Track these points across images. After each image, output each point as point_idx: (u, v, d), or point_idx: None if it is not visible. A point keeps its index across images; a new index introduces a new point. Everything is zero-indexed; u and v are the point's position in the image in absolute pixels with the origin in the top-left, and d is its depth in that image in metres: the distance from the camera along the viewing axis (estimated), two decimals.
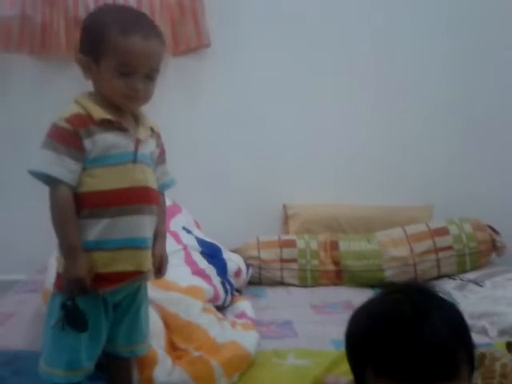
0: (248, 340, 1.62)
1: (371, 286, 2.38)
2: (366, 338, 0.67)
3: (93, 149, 1.06)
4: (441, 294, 0.73)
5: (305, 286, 2.43)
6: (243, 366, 1.52)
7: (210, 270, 1.86)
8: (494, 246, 2.44)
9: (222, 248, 2.11)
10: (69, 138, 1.05)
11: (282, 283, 2.43)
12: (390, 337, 0.64)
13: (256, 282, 2.39)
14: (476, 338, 1.85)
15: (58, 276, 1.12)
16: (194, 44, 2.57)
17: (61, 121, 1.07)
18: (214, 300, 1.76)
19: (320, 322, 1.99)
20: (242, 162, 2.70)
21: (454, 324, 0.67)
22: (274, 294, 2.30)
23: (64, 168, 1.04)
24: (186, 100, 2.63)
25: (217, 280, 1.85)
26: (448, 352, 0.63)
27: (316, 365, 1.56)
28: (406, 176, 2.76)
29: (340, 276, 2.47)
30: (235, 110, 2.66)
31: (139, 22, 1.06)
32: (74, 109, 1.10)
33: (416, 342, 0.62)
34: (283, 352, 1.67)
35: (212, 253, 2.00)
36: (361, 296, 2.25)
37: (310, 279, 2.45)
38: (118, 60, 1.03)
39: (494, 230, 2.48)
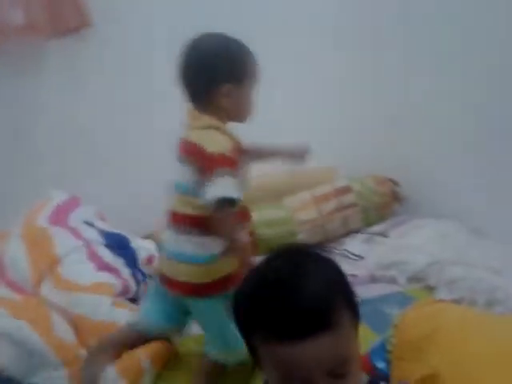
0: None
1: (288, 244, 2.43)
2: (247, 304, 0.69)
3: None
4: (319, 252, 0.76)
5: None
6: (168, 355, 1.51)
7: (117, 263, 1.79)
8: (396, 198, 2.56)
9: (130, 237, 2.02)
10: (235, 165, 1.34)
11: None
12: (265, 298, 0.66)
13: None
14: (387, 287, 2.00)
15: (215, 282, 1.37)
16: (74, 24, 2.40)
17: (227, 152, 1.32)
18: (124, 293, 1.70)
19: None
20: (140, 143, 2.59)
21: (331, 277, 0.70)
22: None
23: (239, 191, 1.33)
24: (68, 83, 2.45)
25: (126, 272, 1.78)
26: (324, 305, 0.65)
27: None
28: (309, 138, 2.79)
29: (256, 246, 2.48)
30: (122, 90, 2.53)
31: None
32: (227, 139, 1.36)
33: (293, 297, 0.65)
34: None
35: (118, 244, 1.91)
36: None
37: None
38: None
39: (394, 182, 2.59)
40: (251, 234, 2.46)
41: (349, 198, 2.48)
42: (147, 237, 2.24)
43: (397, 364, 1.09)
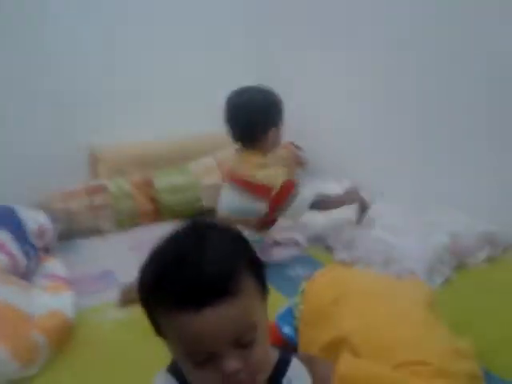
0: (62, 303, 1.49)
1: (189, 216, 2.39)
2: (151, 277, 0.67)
3: None
4: (222, 223, 0.75)
5: (122, 229, 2.32)
6: (64, 331, 1.42)
7: (3, 237, 1.63)
8: (298, 162, 2.59)
9: (16, 207, 1.85)
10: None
11: (96, 231, 2.28)
12: (170, 267, 0.65)
13: (67, 235, 2.18)
14: (289, 250, 2.04)
15: None
16: None
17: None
18: (13, 269, 1.56)
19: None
20: (28, 103, 2.38)
21: (232, 245, 0.69)
22: (88, 245, 2.16)
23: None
24: None
25: (14, 246, 1.63)
26: (225, 271, 0.64)
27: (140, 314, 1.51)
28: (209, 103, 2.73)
29: (159, 213, 2.41)
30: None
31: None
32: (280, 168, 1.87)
33: (194, 264, 0.64)
34: (103, 307, 1.59)
35: (3, 217, 1.75)
36: None
37: (127, 221, 2.34)
38: None
39: (296, 146, 2.62)
40: (154, 200, 2.39)
41: None
42: (36, 207, 2.08)
43: (304, 330, 1.10)
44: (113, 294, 1.68)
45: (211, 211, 2.40)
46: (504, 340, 1.29)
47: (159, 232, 2.42)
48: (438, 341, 0.95)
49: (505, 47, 1.72)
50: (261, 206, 1.80)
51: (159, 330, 0.69)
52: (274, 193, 1.78)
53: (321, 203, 1.89)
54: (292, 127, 2.59)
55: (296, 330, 1.17)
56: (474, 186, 1.91)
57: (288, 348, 1.15)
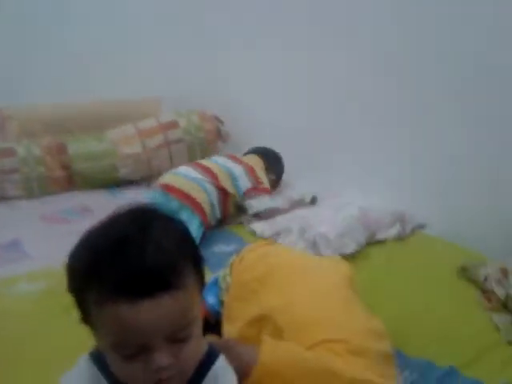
0: None
1: (106, 186, 2.31)
2: (85, 262, 0.62)
3: None
4: (163, 212, 0.70)
5: (32, 196, 2.18)
6: None
7: None
8: (220, 135, 2.58)
9: None
10: None
11: (3, 198, 2.13)
12: (108, 254, 0.61)
13: None
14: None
15: None
16: None
17: None
18: None
19: (55, 234, 1.84)
20: None
21: (176, 236, 0.66)
22: None
23: None
24: None
25: None
26: (169, 263, 0.61)
27: (51, 287, 1.45)
28: (132, 68, 2.62)
29: (71, 181, 2.30)
30: None
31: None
32: None
33: (135, 255, 0.60)
34: (12, 279, 1.49)
35: None
36: (96, 198, 2.26)
37: (37, 188, 2.21)
38: None
39: (218, 119, 2.60)
40: (66, 167, 2.27)
41: (175, 133, 2.42)
42: None
43: (230, 304, 1.12)
44: (21, 265, 1.60)
45: (128, 182, 2.34)
46: (403, 317, 1.35)
47: (72, 202, 2.33)
48: (356, 320, 1.00)
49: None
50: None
51: (87, 317, 0.64)
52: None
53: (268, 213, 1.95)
54: (215, 100, 2.59)
55: (221, 301, 1.18)
56: (386, 171, 2.03)
57: (210, 319, 1.16)
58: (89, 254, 0.62)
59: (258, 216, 1.97)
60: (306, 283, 1.09)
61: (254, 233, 1.90)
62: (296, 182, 2.26)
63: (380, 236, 1.81)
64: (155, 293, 0.59)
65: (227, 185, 1.98)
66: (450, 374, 1.14)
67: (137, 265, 0.59)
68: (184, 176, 1.92)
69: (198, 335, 0.66)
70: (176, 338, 0.62)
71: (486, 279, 1.48)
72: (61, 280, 1.45)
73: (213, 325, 1.15)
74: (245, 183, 2.03)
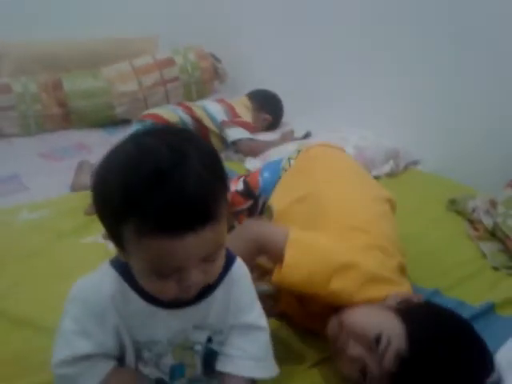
0: None
1: (102, 125, 2.31)
2: (122, 192, 0.59)
3: None
4: (196, 137, 0.68)
5: (28, 134, 2.19)
6: None
7: None
8: (217, 74, 2.56)
9: None
10: None
11: (0, 134, 2.13)
12: (147, 186, 0.58)
13: None
14: None
15: None
16: None
17: None
18: None
19: (52, 170, 1.87)
20: None
21: (213, 165, 0.63)
22: None
23: None
24: None
25: None
26: (209, 194, 0.60)
27: (53, 215, 1.49)
28: (128, 5, 2.56)
29: (68, 118, 2.29)
30: None
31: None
32: None
33: (177, 187, 0.58)
34: (13, 209, 1.53)
35: None
36: (93, 137, 2.26)
37: (34, 126, 2.21)
38: None
39: (215, 57, 2.57)
40: (63, 104, 2.26)
41: (171, 72, 2.40)
42: None
43: (287, 180, 1.27)
44: (21, 197, 1.64)
45: (124, 121, 2.34)
46: None
47: (68, 140, 2.34)
48: (386, 226, 1.11)
49: None
50: None
51: (119, 242, 0.64)
52: None
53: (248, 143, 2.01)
54: (214, 38, 2.55)
55: (278, 178, 1.31)
56: (382, 108, 2.03)
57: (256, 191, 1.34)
58: (125, 186, 0.59)
59: (237, 145, 2.02)
60: (355, 183, 1.22)
61: (248, 170, 1.92)
62: (295, 121, 2.26)
63: (374, 173, 1.84)
64: (198, 226, 0.59)
65: (202, 116, 2.03)
66: (434, 295, 1.20)
67: (178, 199, 0.58)
68: (161, 107, 2.06)
69: (223, 254, 0.69)
70: (207, 259, 0.65)
71: (473, 211, 1.53)
72: (62, 209, 1.50)
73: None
74: (221, 117, 2.07)
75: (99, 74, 2.34)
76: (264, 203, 1.36)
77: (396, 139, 1.95)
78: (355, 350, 0.88)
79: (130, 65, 2.38)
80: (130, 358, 0.75)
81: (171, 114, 1.98)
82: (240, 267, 0.80)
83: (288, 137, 2.08)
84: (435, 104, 1.89)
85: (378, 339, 0.85)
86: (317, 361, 1.01)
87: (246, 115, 2.15)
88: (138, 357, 0.75)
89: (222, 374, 0.79)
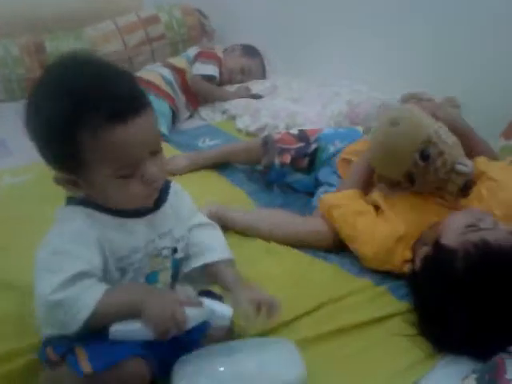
0: None
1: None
2: (70, 101, 0.68)
3: None
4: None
5: (13, 99, 2.14)
6: None
7: None
8: (204, 31, 2.48)
9: None
10: None
11: None
12: (91, 87, 0.69)
13: None
14: (196, 122, 2.03)
15: None
16: None
17: None
18: None
19: None
20: None
21: (127, 72, 0.76)
22: None
23: None
24: None
25: None
26: (137, 90, 0.74)
27: (36, 179, 1.47)
28: None
29: None
30: None
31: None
32: None
33: (114, 85, 0.71)
34: None
35: None
36: None
37: (18, 90, 2.16)
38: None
39: (202, 14, 2.49)
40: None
41: (156, 29, 2.33)
42: None
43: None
44: (4, 162, 1.62)
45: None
46: None
47: None
48: None
49: None
50: None
51: (73, 160, 0.70)
52: None
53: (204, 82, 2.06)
54: None
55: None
56: (374, 60, 1.97)
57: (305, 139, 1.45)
58: (71, 95, 0.68)
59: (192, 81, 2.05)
60: None
61: (239, 130, 1.89)
62: (282, 77, 2.21)
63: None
64: (136, 113, 0.70)
65: (175, 60, 2.08)
66: None
67: (120, 92, 0.70)
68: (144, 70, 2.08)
69: (162, 155, 0.77)
70: (154, 150, 0.74)
71: None
72: (45, 173, 1.48)
73: None
74: (193, 51, 2.12)
75: (82, 34, 2.28)
76: (316, 150, 1.41)
77: (390, 93, 1.90)
78: None
79: (113, 24, 2.30)
80: (111, 275, 0.77)
81: (153, 74, 1.98)
82: (175, 184, 0.89)
83: (242, 93, 2.07)
84: (431, 55, 1.83)
85: None
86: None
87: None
88: (122, 273, 0.79)
89: (201, 270, 0.88)
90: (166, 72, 2.01)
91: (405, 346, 0.95)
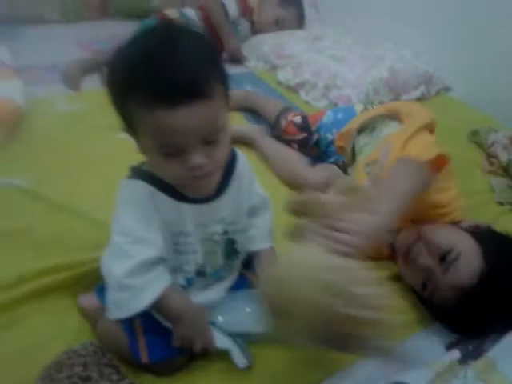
0: (12, 91, 1.48)
1: (138, 17, 2.30)
2: (123, 75, 0.68)
3: None
4: (190, 28, 0.77)
5: (68, 21, 2.22)
6: (15, 119, 1.43)
7: None
8: None
9: None
10: None
11: (41, 19, 2.17)
12: (142, 65, 0.67)
13: (7, 19, 2.05)
14: (238, 69, 2.08)
15: None
16: None
17: None
18: None
19: None
20: None
21: (203, 49, 0.71)
22: (33, 34, 2.07)
23: None
24: None
25: None
26: (198, 72, 0.68)
27: (89, 108, 1.57)
28: None
29: (106, 8, 2.31)
30: None
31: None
32: None
33: (168, 66, 0.66)
34: (52, 98, 1.62)
35: None
36: (129, 29, 2.24)
37: (73, 14, 2.24)
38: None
39: None
40: None
41: None
42: None
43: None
44: (60, 87, 1.72)
45: (161, 12, 2.33)
46: None
47: (105, 31, 2.38)
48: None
49: None
50: None
51: (130, 124, 0.71)
52: None
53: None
54: None
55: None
56: (421, 30, 1.97)
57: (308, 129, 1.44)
58: (124, 66, 0.68)
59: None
60: None
61: (279, 82, 1.94)
62: (329, 31, 2.22)
63: (404, 97, 1.85)
64: (189, 100, 0.66)
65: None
66: None
67: (171, 75, 0.66)
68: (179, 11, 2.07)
69: (226, 142, 0.74)
70: (208, 140, 0.71)
71: (492, 144, 1.55)
72: (97, 103, 1.57)
73: None
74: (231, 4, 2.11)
75: None
76: (318, 140, 1.44)
77: (431, 62, 1.92)
78: (427, 260, 0.98)
79: None
80: (170, 252, 0.83)
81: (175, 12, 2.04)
82: (243, 161, 0.88)
83: (235, 51, 2.11)
84: (473, 29, 1.83)
85: (450, 252, 0.95)
86: None
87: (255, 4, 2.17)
88: (176, 251, 0.84)
89: (255, 255, 0.94)
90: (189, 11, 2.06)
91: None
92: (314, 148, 1.46)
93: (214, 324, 0.88)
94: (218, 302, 0.91)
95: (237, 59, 2.11)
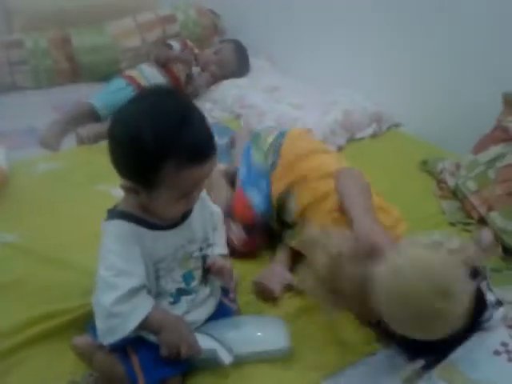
0: None
1: (108, 79, 2.44)
2: (157, 139, 0.82)
3: None
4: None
5: (40, 87, 2.34)
6: (0, 182, 1.52)
7: None
8: (216, 30, 2.66)
9: None
10: None
11: (14, 88, 2.29)
12: (178, 130, 0.83)
13: None
14: None
15: None
16: None
17: None
18: None
19: None
20: None
21: (200, 111, 0.90)
22: (8, 101, 2.18)
23: None
24: None
25: None
26: (211, 133, 0.88)
27: (68, 165, 1.68)
28: None
29: (76, 73, 2.43)
30: None
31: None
32: None
33: (197, 129, 0.85)
34: (33, 160, 1.72)
35: None
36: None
37: (46, 80, 2.36)
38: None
39: (214, 13, 2.66)
40: (72, 59, 2.39)
41: (173, 28, 2.52)
42: None
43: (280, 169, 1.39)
44: (40, 149, 1.82)
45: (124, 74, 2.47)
46: None
47: (78, 93, 2.52)
48: None
49: None
50: None
51: (152, 179, 0.84)
52: None
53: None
54: None
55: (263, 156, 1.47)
56: (369, 72, 2.17)
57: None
58: (158, 133, 0.82)
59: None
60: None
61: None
62: (283, 80, 2.40)
63: (359, 135, 2.02)
64: (211, 156, 0.87)
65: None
66: None
67: (200, 138, 0.86)
68: (135, 69, 2.25)
69: None
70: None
71: (441, 172, 1.71)
72: (76, 159, 1.67)
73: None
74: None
75: (105, 30, 2.46)
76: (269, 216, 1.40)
77: (381, 102, 2.10)
78: None
79: (133, 21, 2.49)
80: (151, 279, 0.95)
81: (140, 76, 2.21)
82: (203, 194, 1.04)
83: (185, 55, 2.29)
84: (419, 71, 2.02)
85: None
86: None
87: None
88: (157, 277, 0.96)
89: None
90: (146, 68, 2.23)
91: None
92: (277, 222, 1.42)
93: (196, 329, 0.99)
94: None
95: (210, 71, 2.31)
